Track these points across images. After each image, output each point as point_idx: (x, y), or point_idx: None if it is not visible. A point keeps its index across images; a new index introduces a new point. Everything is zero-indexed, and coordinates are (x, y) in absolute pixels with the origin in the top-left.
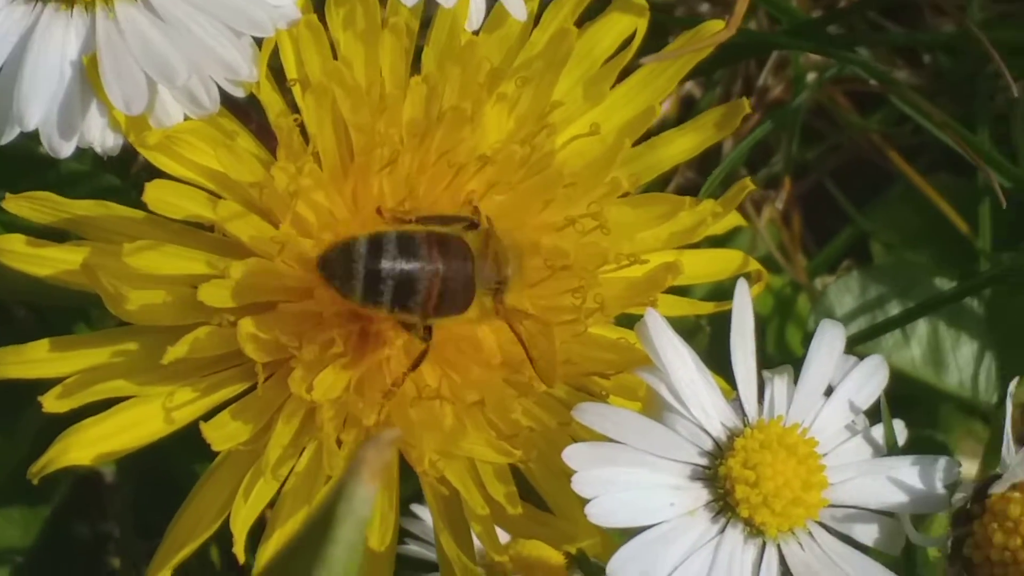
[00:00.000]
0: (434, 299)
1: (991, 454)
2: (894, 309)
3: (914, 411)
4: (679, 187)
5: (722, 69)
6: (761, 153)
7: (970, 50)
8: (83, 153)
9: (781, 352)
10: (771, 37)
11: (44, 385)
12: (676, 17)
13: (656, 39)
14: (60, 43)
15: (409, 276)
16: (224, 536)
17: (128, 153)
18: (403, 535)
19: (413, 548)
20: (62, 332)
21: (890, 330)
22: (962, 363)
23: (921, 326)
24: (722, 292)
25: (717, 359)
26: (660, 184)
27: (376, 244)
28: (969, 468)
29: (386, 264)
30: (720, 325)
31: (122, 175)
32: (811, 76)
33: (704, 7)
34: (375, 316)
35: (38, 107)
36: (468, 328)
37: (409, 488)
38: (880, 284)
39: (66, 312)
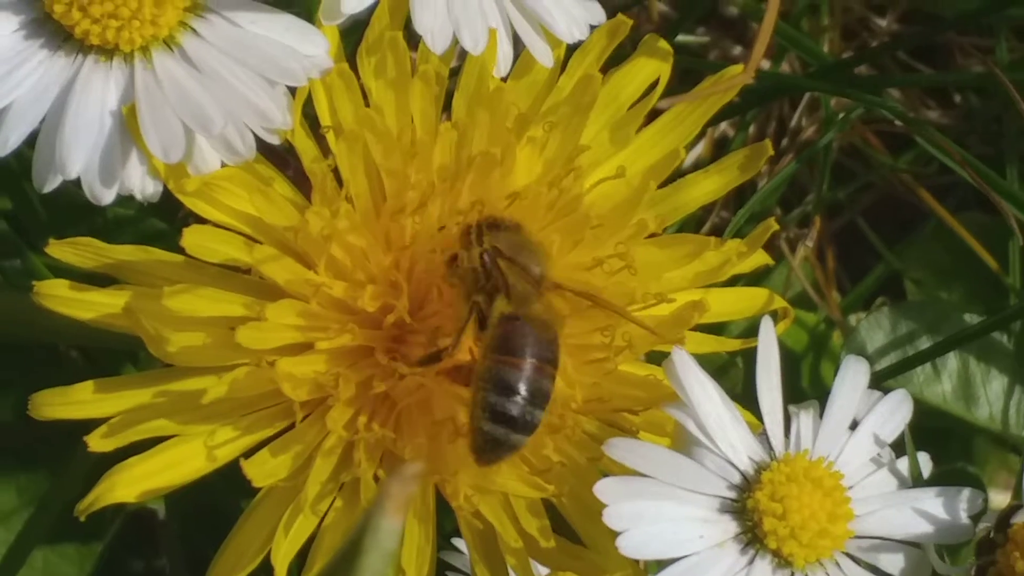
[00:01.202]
0: (556, 370)
1: (1022, 486)
2: (925, 344)
3: (948, 444)
4: (714, 227)
5: (755, 110)
6: (797, 193)
7: (999, 90)
8: (129, 199)
9: (815, 387)
10: (798, 80)
11: (94, 425)
12: (707, 61)
13: (689, 84)
14: (100, 94)
15: (539, 391)
16: (269, 570)
17: (174, 198)
18: (446, 568)
19: None
20: (111, 373)
21: (921, 364)
22: (992, 397)
23: (952, 361)
24: (756, 330)
25: (752, 395)
26: (694, 225)
27: (499, 414)
28: (1003, 500)
29: (518, 413)
30: (754, 361)
31: (169, 219)
32: (840, 117)
33: (737, 50)
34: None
35: (80, 156)
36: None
37: (452, 523)
38: (911, 320)
39: (115, 354)
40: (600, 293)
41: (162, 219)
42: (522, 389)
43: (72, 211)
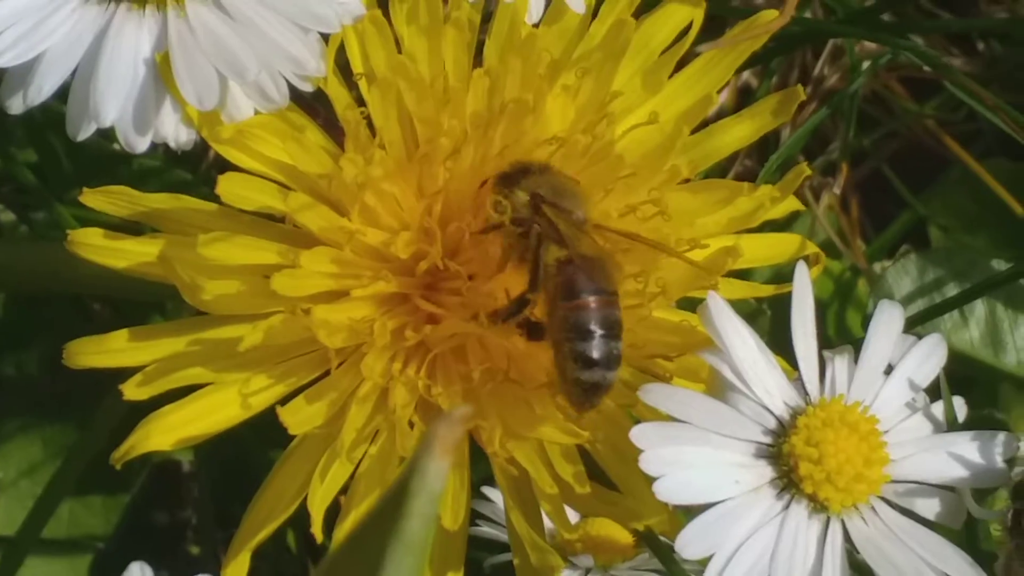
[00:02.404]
0: (619, 297)
1: None
2: (952, 291)
3: (974, 391)
4: (738, 175)
5: (779, 59)
6: (819, 141)
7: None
8: (155, 149)
9: (841, 335)
10: (827, 25)
11: (120, 377)
12: (732, 7)
13: (712, 30)
14: (133, 42)
15: (616, 324)
16: (300, 521)
17: (199, 149)
18: (475, 517)
19: (485, 529)
20: (138, 324)
21: (948, 311)
22: (1020, 343)
23: (979, 307)
24: (782, 277)
25: (779, 342)
26: (719, 173)
27: (590, 359)
28: None
29: (604, 352)
30: (781, 309)
31: (193, 170)
32: (866, 65)
33: None
34: (447, 304)
35: (114, 104)
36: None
37: (480, 472)
38: (938, 267)
39: (142, 305)
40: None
41: (187, 170)
42: (600, 329)
43: (97, 163)
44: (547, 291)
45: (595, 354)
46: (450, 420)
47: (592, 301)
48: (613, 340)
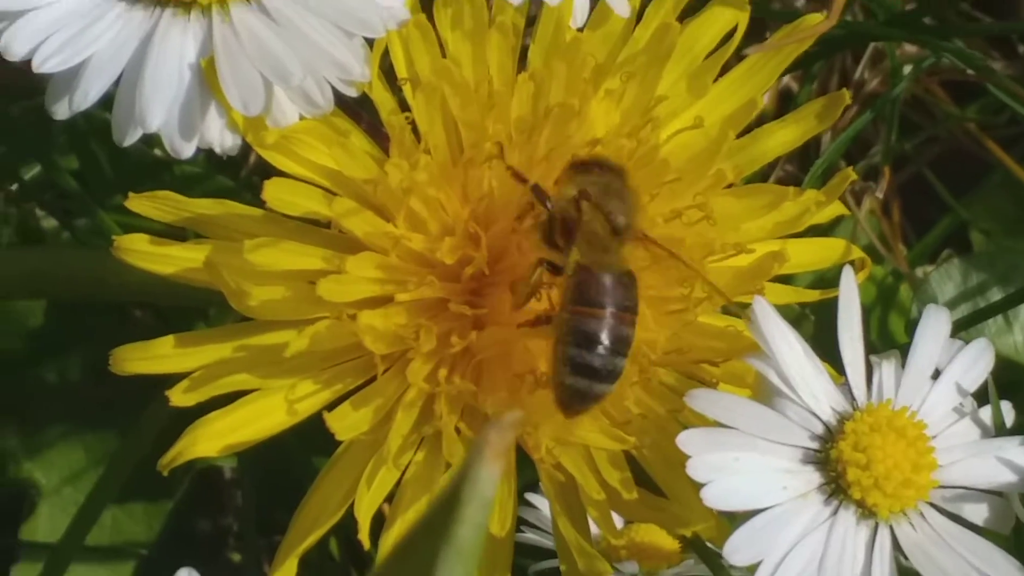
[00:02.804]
0: (636, 316)
1: None
2: (996, 296)
3: (1019, 396)
4: (779, 181)
5: (819, 63)
6: (859, 146)
7: None
8: (196, 156)
9: (884, 340)
10: (870, 27)
11: (163, 385)
12: (773, 11)
13: (753, 35)
14: (178, 47)
15: (620, 339)
16: (343, 528)
17: (240, 155)
18: (520, 523)
19: (530, 536)
20: (182, 330)
21: (992, 316)
22: None
23: (1023, 312)
24: (824, 282)
25: (823, 347)
26: (760, 180)
27: (581, 366)
28: None
29: (600, 364)
30: (824, 314)
31: (234, 177)
32: (907, 69)
33: (800, 1)
34: (496, 309)
35: (159, 109)
36: None
37: (524, 478)
38: (981, 271)
39: (185, 311)
40: (680, 244)
41: (228, 177)
42: (602, 339)
43: (139, 169)
44: (561, 291)
45: (593, 363)
46: (500, 425)
47: (605, 313)
48: (614, 356)
